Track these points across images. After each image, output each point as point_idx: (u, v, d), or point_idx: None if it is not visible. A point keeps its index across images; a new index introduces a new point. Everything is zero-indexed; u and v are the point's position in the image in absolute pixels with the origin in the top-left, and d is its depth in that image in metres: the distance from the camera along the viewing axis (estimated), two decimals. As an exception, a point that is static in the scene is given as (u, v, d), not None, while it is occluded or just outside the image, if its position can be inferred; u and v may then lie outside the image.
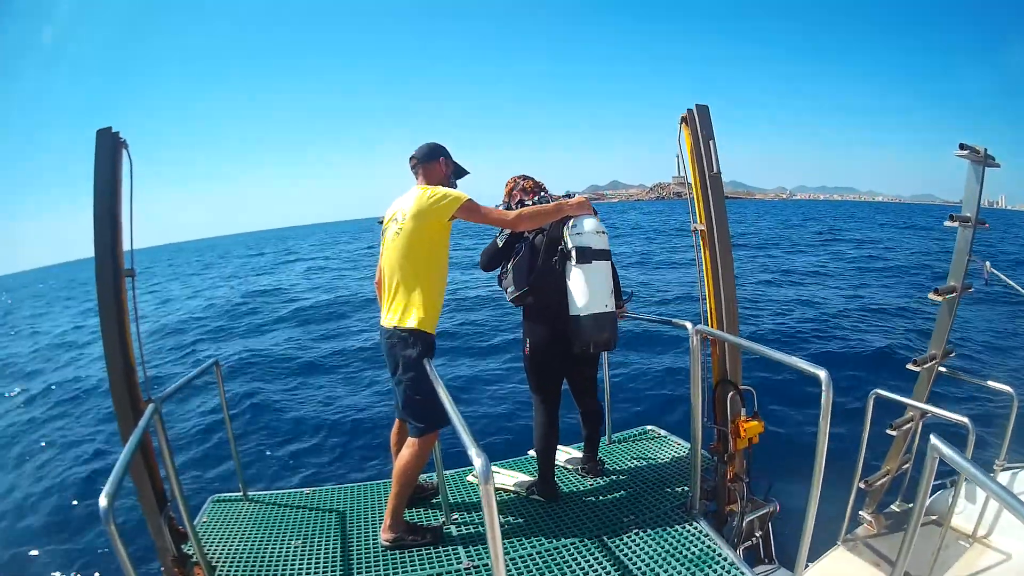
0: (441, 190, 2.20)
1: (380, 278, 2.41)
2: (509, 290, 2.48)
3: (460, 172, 2.46)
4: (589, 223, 2.31)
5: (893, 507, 2.83)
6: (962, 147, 2.48)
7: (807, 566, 2.34)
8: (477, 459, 1.24)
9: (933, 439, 1.45)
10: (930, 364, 2.62)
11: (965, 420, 2.26)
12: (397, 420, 2.51)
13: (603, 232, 2.34)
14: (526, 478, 2.80)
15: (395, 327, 2.18)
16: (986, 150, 2.48)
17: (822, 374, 1.70)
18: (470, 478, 2.94)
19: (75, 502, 4.49)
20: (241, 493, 2.87)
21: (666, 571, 2.08)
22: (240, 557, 2.34)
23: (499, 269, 2.59)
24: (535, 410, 2.60)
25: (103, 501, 1.34)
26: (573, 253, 2.28)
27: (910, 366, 2.60)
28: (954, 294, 2.56)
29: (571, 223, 2.33)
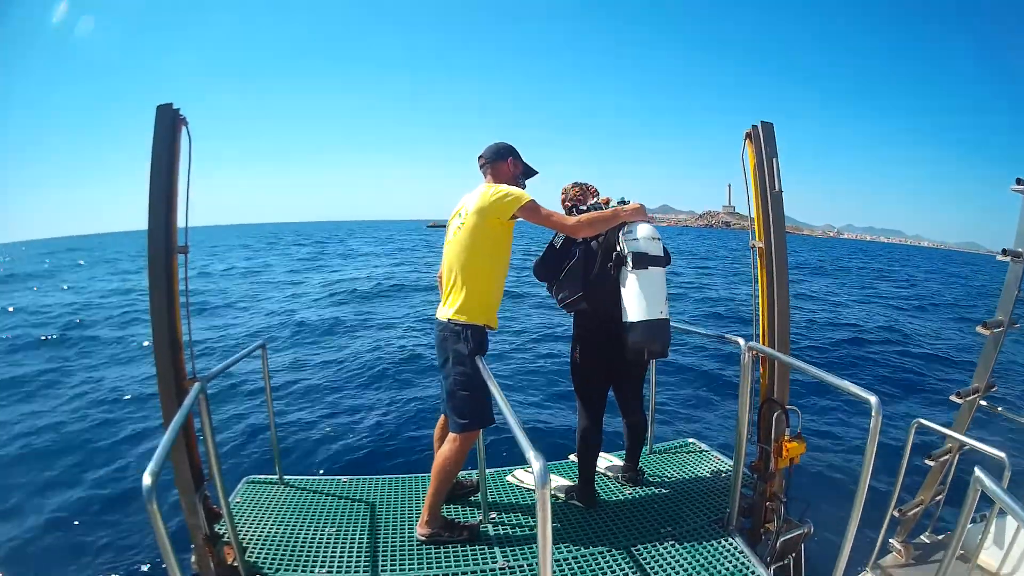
0: (504, 188, 2.21)
1: (443, 271, 2.43)
2: (561, 296, 2.47)
3: (529, 172, 2.46)
4: (644, 229, 2.31)
5: (923, 538, 2.82)
6: (1019, 182, 2.48)
7: None
8: (536, 462, 1.23)
9: (978, 472, 1.44)
10: (972, 397, 2.61)
11: (1002, 455, 2.25)
12: (443, 415, 2.51)
13: (658, 239, 2.33)
14: (565, 482, 2.80)
15: (449, 320, 2.19)
16: None
17: (873, 399, 1.70)
18: (509, 478, 2.94)
19: (103, 477, 4.51)
20: (277, 476, 2.87)
21: None
22: (271, 540, 2.34)
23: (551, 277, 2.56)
24: (579, 415, 2.59)
25: (147, 479, 1.30)
26: (629, 259, 2.26)
27: (953, 398, 2.59)
28: (1001, 328, 2.55)
29: (626, 228, 2.33)
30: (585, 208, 2.49)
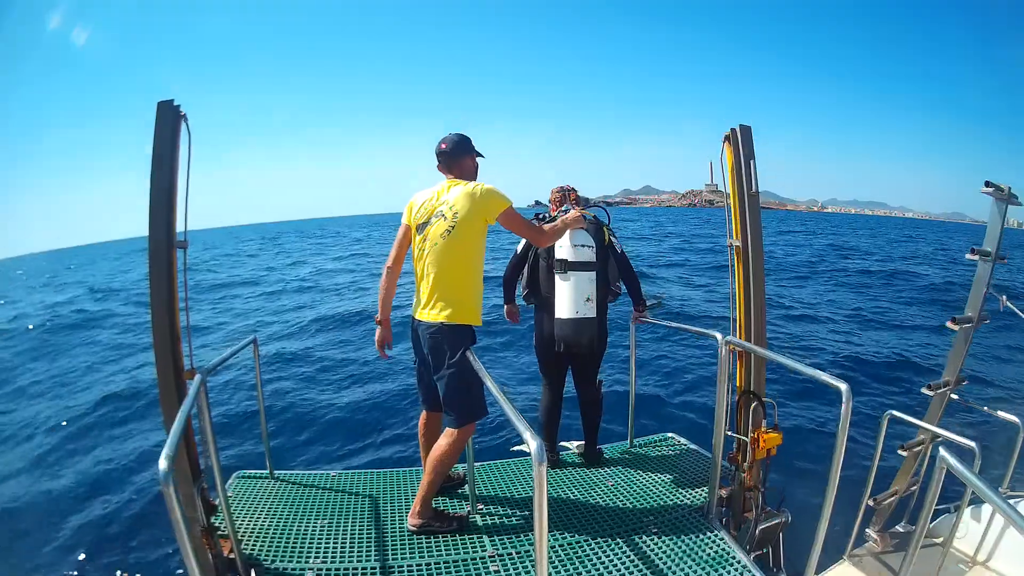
0: (490, 188, 2.25)
1: (394, 263, 2.42)
2: (521, 291, 2.98)
3: (478, 156, 2.44)
4: (573, 237, 2.69)
5: (898, 528, 2.91)
6: (987, 184, 2.59)
7: None
8: (532, 442, 1.33)
9: (942, 451, 1.51)
10: (943, 390, 2.71)
11: (972, 445, 2.35)
12: (425, 412, 2.55)
13: (586, 245, 2.70)
14: None
15: (442, 322, 2.20)
16: (1010, 189, 2.59)
17: (843, 387, 1.77)
18: None
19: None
20: (267, 471, 2.91)
21: (683, 570, 2.16)
22: (265, 533, 2.38)
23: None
24: (542, 388, 3.06)
25: (163, 464, 1.31)
26: (554, 264, 2.71)
27: (924, 390, 2.69)
28: (970, 324, 2.66)
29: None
30: (551, 217, 2.84)
